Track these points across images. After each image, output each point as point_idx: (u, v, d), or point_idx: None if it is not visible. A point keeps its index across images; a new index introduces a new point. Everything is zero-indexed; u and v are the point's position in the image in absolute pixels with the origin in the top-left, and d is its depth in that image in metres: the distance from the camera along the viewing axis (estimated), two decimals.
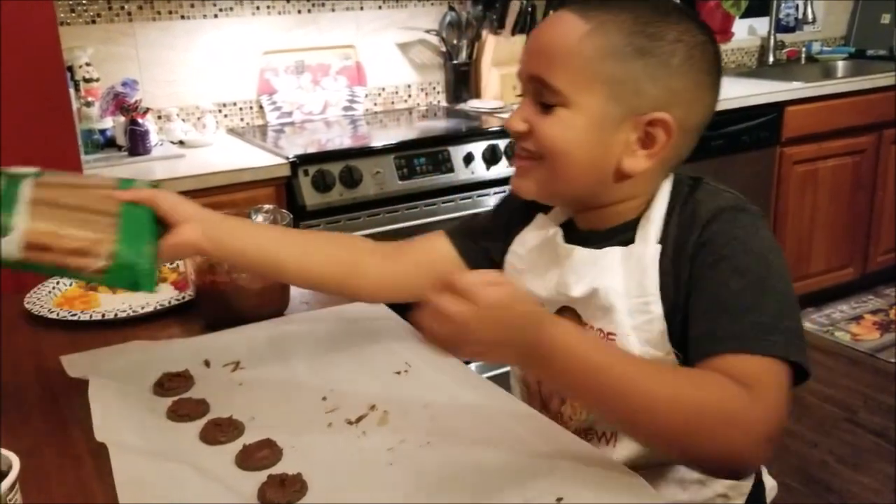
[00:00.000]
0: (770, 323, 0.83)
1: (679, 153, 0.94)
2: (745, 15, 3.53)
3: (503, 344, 0.77)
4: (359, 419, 0.90)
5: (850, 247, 3.34)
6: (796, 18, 3.75)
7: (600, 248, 0.94)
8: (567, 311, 0.97)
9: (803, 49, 3.79)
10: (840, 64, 3.72)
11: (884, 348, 3.05)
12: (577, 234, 0.99)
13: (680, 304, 0.88)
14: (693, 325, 0.87)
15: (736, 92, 2.88)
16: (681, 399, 0.77)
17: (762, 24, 3.71)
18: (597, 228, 0.98)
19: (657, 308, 0.89)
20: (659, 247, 0.90)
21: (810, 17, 3.44)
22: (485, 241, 1.09)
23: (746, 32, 3.72)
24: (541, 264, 1.01)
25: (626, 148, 0.91)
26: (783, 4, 3.73)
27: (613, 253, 0.93)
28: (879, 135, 3.28)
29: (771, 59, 3.70)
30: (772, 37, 3.69)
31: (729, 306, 0.84)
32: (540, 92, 0.92)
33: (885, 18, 3.85)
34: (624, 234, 0.94)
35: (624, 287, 0.91)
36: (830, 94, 3.08)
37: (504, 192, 2.39)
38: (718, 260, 0.86)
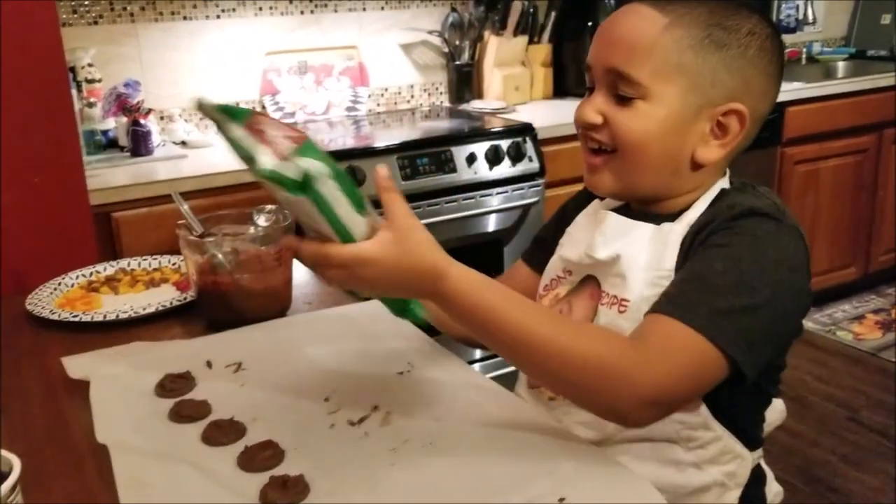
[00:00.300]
0: (727, 312, 0.82)
1: (746, 143, 0.97)
2: None
3: (398, 290, 0.83)
4: (361, 420, 0.90)
5: (852, 246, 3.34)
6: (797, 19, 3.75)
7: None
8: (590, 279, 0.99)
9: (804, 50, 3.79)
10: (841, 64, 3.72)
11: (886, 347, 3.05)
12: (631, 216, 1.00)
13: None
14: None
15: None
16: (571, 347, 0.80)
17: None
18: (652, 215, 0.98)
19: (668, 284, 0.90)
20: (681, 228, 0.93)
21: (811, 17, 3.45)
22: (552, 244, 1.10)
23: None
24: (576, 231, 1.05)
25: (701, 138, 0.94)
26: (783, 5, 3.72)
27: (645, 228, 0.95)
28: (880, 135, 3.28)
29: None
30: None
31: (700, 280, 0.85)
32: (616, 84, 0.92)
33: (886, 19, 3.85)
34: (660, 220, 0.96)
35: (646, 260, 0.93)
36: (831, 95, 3.08)
37: (506, 192, 2.40)
38: (722, 245, 0.87)
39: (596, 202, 1.07)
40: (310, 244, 0.80)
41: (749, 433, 0.98)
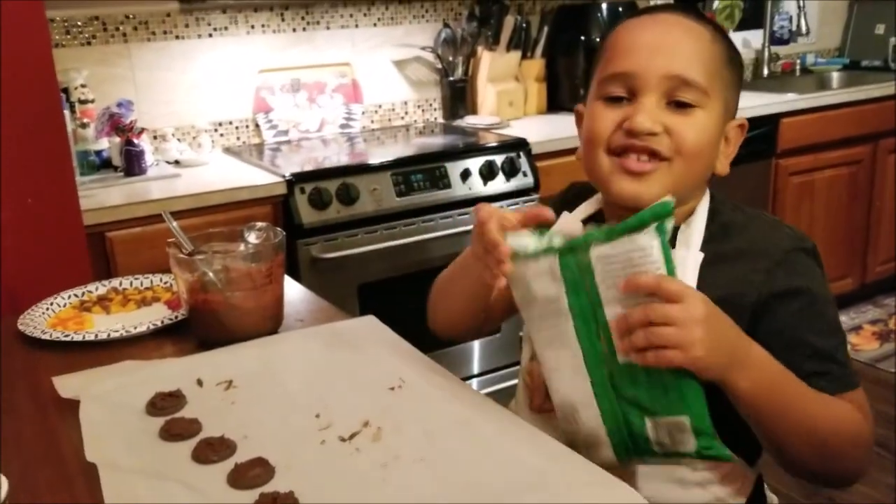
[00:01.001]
0: (848, 361, 0.95)
1: None
2: (740, 28, 3.55)
3: (721, 341, 0.82)
4: (352, 436, 0.90)
5: (849, 257, 3.34)
6: (790, 31, 3.77)
7: None
8: None
9: (798, 61, 3.81)
10: (835, 75, 3.73)
11: (883, 358, 3.04)
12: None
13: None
14: (799, 360, 0.92)
15: None
16: (839, 422, 0.90)
17: (756, 37, 3.73)
18: None
19: None
20: (702, 255, 0.94)
21: (804, 29, 3.46)
22: None
23: (741, 45, 3.72)
24: None
25: (720, 152, 0.98)
26: (777, 17, 3.74)
27: None
28: (875, 145, 3.29)
29: (766, 71, 3.71)
30: (766, 49, 3.70)
31: (825, 350, 0.93)
32: (674, 91, 0.92)
33: (880, 29, 3.87)
34: None
35: None
36: (826, 106, 3.09)
37: (501, 206, 2.38)
38: (804, 308, 0.94)
39: (566, 213, 1.06)
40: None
41: (752, 447, 0.98)
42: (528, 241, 0.89)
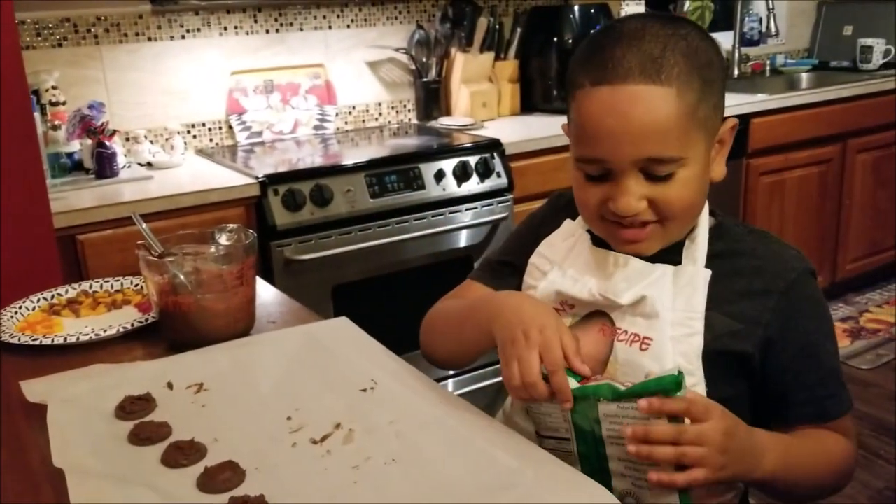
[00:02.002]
0: (843, 384, 1.00)
1: None
2: (710, 29, 3.57)
3: (742, 451, 0.85)
4: (324, 438, 0.90)
5: (819, 256, 3.38)
6: (760, 32, 3.81)
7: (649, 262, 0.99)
8: (598, 314, 0.99)
9: (768, 62, 3.85)
10: (804, 76, 3.78)
11: (855, 355, 3.08)
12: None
13: (735, 331, 0.95)
14: (804, 386, 0.97)
15: None
16: (837, 463, 0.96)
17: (727, 39, 3.76)
18: None
19: (699, 325, 0.94)
20: (709, 271, 0.96)
21: (774, 30, 3.50)
22: (517, 261, 1.10)
23: None
24: (573, 267, 1.03)
25: (711, 161, 0.98)
26: (747, 18, 3.78)
27: (665, 269, 0.97)
28: (844, 144, 3.33)
29: (736, 72, 3.75)
30: (736, 50, 3.74)
31: (830, 374, 0.99)
32: (649, 168, 0.91)
33: (848, 30, 3.92)
34: (668, 256, 0.98)
35: (671, 301, 0.95)
36: (795, 106, 3.13)
37: (475, 208, 2.41)
38: (814, 331, 0.98)
39: (569, 221, 1.07)
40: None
41: None
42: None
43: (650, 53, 0.89)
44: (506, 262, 1.14)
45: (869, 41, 3.69)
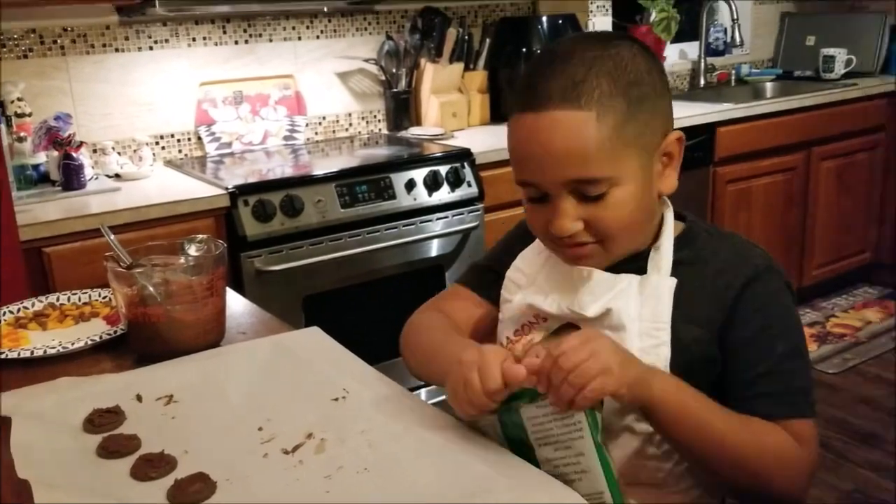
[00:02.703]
0: (808, 387, 0.97)
1: None
2: (676, 40, 3.63)
3: (625, 359, 0.85)
4: (295, 448, 0.90)
5: (786, 262, 3.42)
6: (725, 42, 3.86)
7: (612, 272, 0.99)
8: (570, 327, 1.00)
9: (733, 71, 3.90)
10: (769, 85, 3.84)
11: (822, 360, 3.13)
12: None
13: (699, 337, 0.96)
14: (744, 381, 0.96)
15: None
16: (762, 443, 0.91)
17: (693, 49, 3.81)
18: None
19: (665, 335, 0.95)
20: (674, 280, 0.96)
21: (739, 40, 3.55)
22: (502, 270, 1.11)
23: (678, 56, 3.82)
24: (544, 281, 1.04)
25: (658, 176, 0.98)
26: (712, 29, 3.84)
27: (630, 280, 0.98)
28: (808, 152, 3.39)
29: (702, 81, 3.80)
30: (702, 60, 3.79)
31: (781, 372, 0.95)
32: (579, 188, 0.93)
33: (811, 40, 3.99)
34: (635, 264, 0.99)
35: (637, 311, 0.96)
36: (760, 115, 3.18)
37: (446, 217, 2.42)
38: (766, 326, 0.96)
39: (522, 255, 1.09)
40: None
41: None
42: None
43: (573, 77, 0.91)
44: (491, 269, 1.15)
45: (831, 51, 3.76)
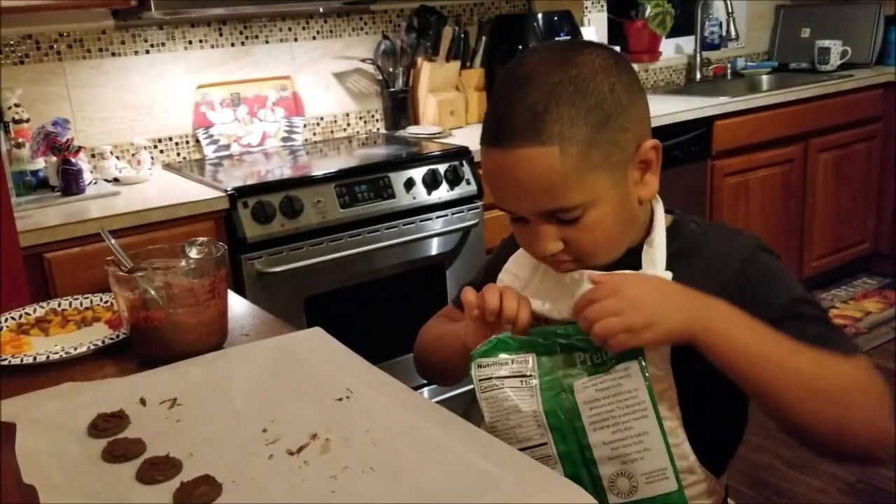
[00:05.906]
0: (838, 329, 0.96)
1: None
2: (671, 35, 3.63)
3: (673, 301, 0.88)
4: (300, 449, 0.90)
5: (784, 254, 3.42)
6: (720, 36, 3.87)
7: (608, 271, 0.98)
8: None
9: (729, 65, 3.91)
10: (764, 78, 3.84)
11: None
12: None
13: None
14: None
15: (666, 109, 2.95)
16: (840, 371, 0.87)
17: (688, 43, 3.82)
18: None
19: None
20: (670, 274, 0.96)
21: (734, 34, 3.56)
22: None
23: (673, 51, 3.82)
24: (539, 285, 1.04)
25: (636, 184, 0.97)
26: (707, 23, 3.84)
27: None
28: (806, 144, 3.39)
29: (698, 75, 3.80)
30: (698, 54, 3.80)
31: (807, 316, 0.94)
32: (554, 215, 0.94)
33: (805, 33, 4.00)
34: (629, 260, 0.99)
35: None
36: (757, 108, 3.18)
37: (445, 215, 2.42)
38: (775, 292, 0.95)
39: (513, 258, 1.09)
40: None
41: (720, 460, 1.02)
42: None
43: (533, 109, 0.91)
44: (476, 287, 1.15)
45: (826, 43, 3.77)
